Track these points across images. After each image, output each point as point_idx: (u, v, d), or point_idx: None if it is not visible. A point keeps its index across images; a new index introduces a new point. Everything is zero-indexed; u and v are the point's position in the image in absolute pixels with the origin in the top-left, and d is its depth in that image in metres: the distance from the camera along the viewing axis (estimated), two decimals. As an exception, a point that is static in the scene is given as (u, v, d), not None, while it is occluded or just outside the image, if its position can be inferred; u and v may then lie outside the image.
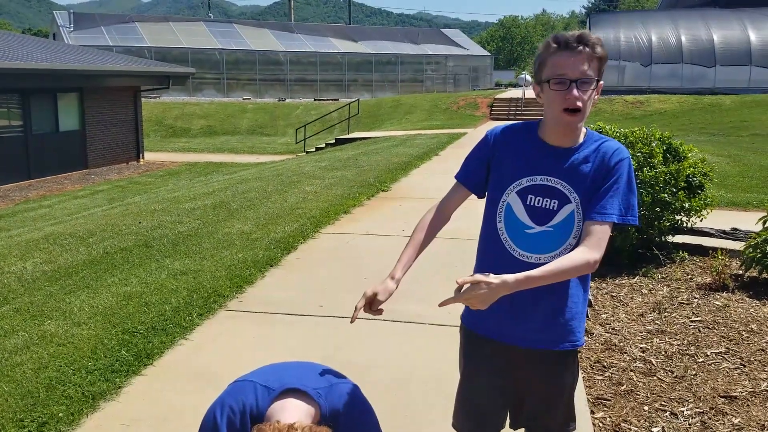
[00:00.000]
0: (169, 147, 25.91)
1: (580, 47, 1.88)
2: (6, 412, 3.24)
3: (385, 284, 2.04)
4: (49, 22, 46.90)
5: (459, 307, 2.19)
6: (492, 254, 2.06)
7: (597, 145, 2.00)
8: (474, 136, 18.54)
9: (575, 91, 1.88)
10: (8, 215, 11.49)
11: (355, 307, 2.01)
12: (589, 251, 1.90)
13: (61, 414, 3.24)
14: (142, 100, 21.37)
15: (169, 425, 3.19)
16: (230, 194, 9.54)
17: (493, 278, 1.81)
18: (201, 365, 3.86)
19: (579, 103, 1.89)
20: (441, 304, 1.89)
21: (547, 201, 1.98)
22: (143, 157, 20.58)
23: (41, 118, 16.47)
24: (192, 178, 17.13)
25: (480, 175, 2.11)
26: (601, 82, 1.95)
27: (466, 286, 1.82)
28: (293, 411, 1.80)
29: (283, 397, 1.84)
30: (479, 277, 1.81)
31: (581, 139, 2.01)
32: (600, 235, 1.93)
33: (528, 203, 2.00)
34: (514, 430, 2.20)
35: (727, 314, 4.65)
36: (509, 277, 1.82)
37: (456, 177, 2.18)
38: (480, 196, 2.15)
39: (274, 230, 6.96)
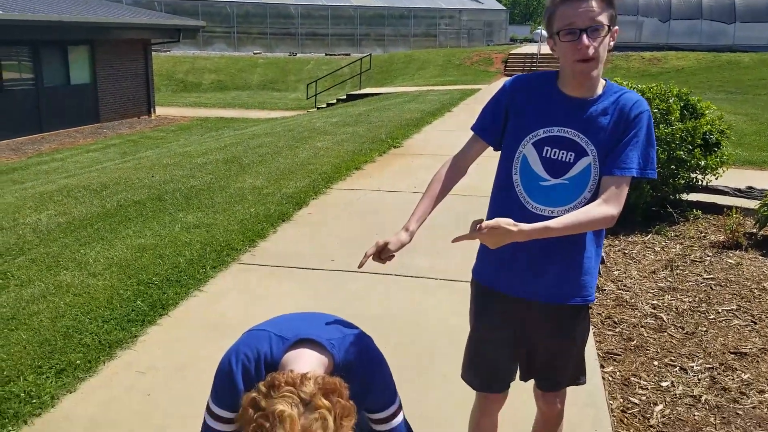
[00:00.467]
0: (179, 102, 25.80)
1: None
2: (24, 359, 3.31)
3: (398, 235, 2.04)
4: (58, -27, 46.21)
5: (471, 262, 2.19)
6: (505, 206, 2.04)
7: (616, 96, 1.95)
8: (488, 92, 18.31)
9: (586, 40, 1.83)
10: (21, 168, 11.55)
11: (365, 254, 2.01)
12: (608, 206, 1.88)
13: (78, 361, 3.31)
14: (153, 53, 21.20)
15: (185, 373, 3.25)
16: (242, 149, 9.52)
17: (512, 224, 1.80)
18: (215, 316, 3.91)
19: (591, 52, 1.84)
20: (454, 240, 1.91)
21: (563, 153, 1.95)
22: (154, 112, 20.53)
23: (52, 71, 16.41)
24: (203, 133, 17.10)
25: (497, 126, 2.08)
26: (615, 28, 1.89)
27: (482, 226, 1.81)
28: (307, 360, 1.82)
29: (297, 347, 1.86)
30: (501, 221, 1.80)
31: (600, 91, 1.96)
32: (618, 190, 1.90)
33: (544, 155, 1.96)
34: (524, 381, 2.22)
35: (740, 272, 4.64)
36: (526, 226, 1.81)
37: (472, 129, 2.14)
38: (496, 149, 2.12)
39: (286, 185, 6.96)
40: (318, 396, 1.64)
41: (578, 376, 2.18)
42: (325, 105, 23.26)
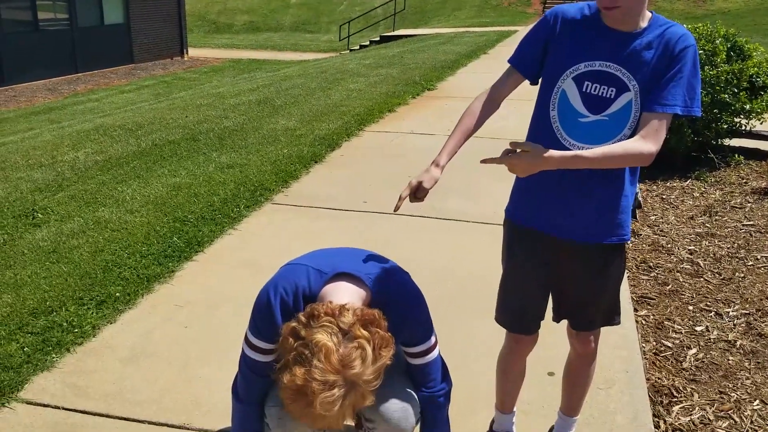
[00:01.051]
0: (212, 43, 25.67)
1: None
2: (66, 291, 3.40)
3: (429, 172, 2.01)
4: None
5: (504, 204, 2.16)
6: (539, 142, 1.99)
7: (662, 30, 1.86)
8: (525, 33, 17.84)
9: None
10: (58, 108, 11.69)
11: (400, 197, 1.99)
12: (645, 142, 1.80)
13: (117, 294, 3.39)
14: (185, -7, 21.03)
15: (220, 307, 3.32)
16: (274, 91, 9.48)
17: (542, 150, 1.77)
18: (249, 254, 3.96)
19: (608, 3, 1.78)
20: (483, 161, 1.90)
21: (604, 89, 1.88)
22: (187, 53, 20.49)
23: (86, 11, 16.41)
24: (236, 74, 17.05)
25: (536, 59, 2.01)
26: None
27: (518, 150, 1.78)
28: (345, 293, 1.84)
29: (335, 281, 1.88)
30: (531, 144, 1.77)
31: (645, 24, 1.87)
32: (658, 127, 1.81)
33: (584, 90, 1.89)
34: (557, 322, 2.20)
35: (782, 219, 4.53)
36: (556, 153, 1.77)
37: (509, 61, 2.07)
38: (533, 83, 2.05)
39: (318, 127, 6.93)
40: (357, 326, 1.66)
41: (612, 317, 2.16)
42: (357, 47, 22.95)
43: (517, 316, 2.16)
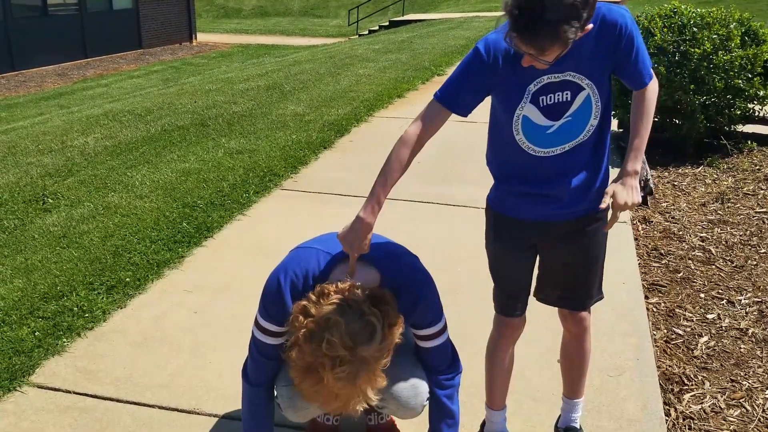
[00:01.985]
0: (220, 28, 25.61)
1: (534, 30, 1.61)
2: (77, 276, 3.42)
3: (361, 230, 1.86)
4: None
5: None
6: (511, 157, 1.99)
7: (598, 21, 1.79)
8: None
9: (529, 59, 1.70)
10: (68, 93, 11.70)
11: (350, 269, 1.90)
12: (653, 83, 1.92)
13: (127, 279, 3.40)
14: (194, -22, 20.95)
15: (229, 293, 3.32)
16: (283, 76, 9.45)
17: (623, 173, 1.86)
18: (259, 239, 3.96)
19: (529, 63, 1.74)
20: (606, 229, 1.98)
21: (559, 95, 1.87)
22: (196, 38, 20.45)
23: (95, -4, 16.38)
24: (244, 59, 17.00)
25: (473, 99, 1.91)
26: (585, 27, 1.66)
27: (608, 200, 1.85)
28: (356, 274, 1.84)
29: (345, 263, 1.87)
30: (617, 192, 1.84)
31: None
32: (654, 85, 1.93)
33: (542, 105, 1.88)
34: (549, 304, 2.19)
35: (795, 207, 4.48)
36: (631, 164, 1.87)
37: (438, 100, 1.92)
38: (464, 116, 1.96)
39: (327, 113, 6.90)
40: (366, 303, 1.66)
41: (599, 291, 2.16)
42: (367, 32, 22.83)
43: (507, 298, 2.16)
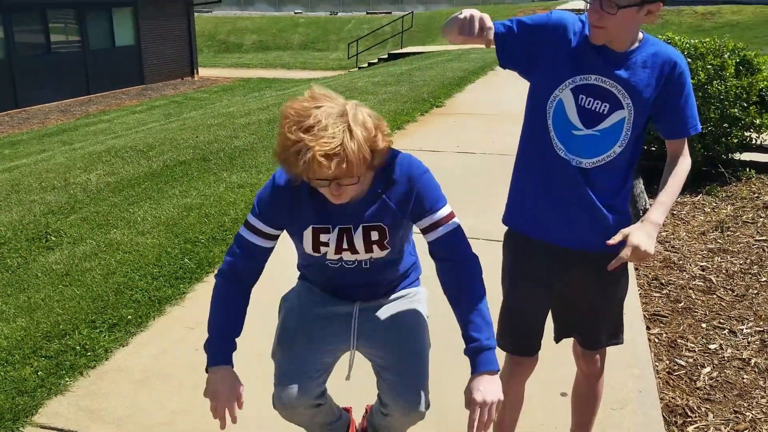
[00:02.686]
0: (222, 62, 25.91)
1: None
2: (79, 314, 3.43)
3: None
4: (101, -66, 46.54)
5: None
6: (534, 152, 2.00)
7: (654, 50, 1.91)
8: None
9: (596, 7, 1.80)
10: (70, 129, 11.81)
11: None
12: (685, 159, 1.97)
13: (129, 316, 3.41)
14: (195, 14, 21.26)
15: (232, 329, 3.32)
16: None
17: (645, 221, 1.85)
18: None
19: (595, 20, 1.82)
20: (610, 267, 1.90)
21: (597, 103, 1.90)
22: (197, 73, 20.68)
23: (97, 34, 16.63)
24: (245, 93, 17.17)
25: (524, 52, 1.95)
26: (655, 4, 1.79)
27: (619, 237, 1.84)
28: None
29: None
30: (633, 237, 1.82)
31: (637, 43, 1.91)
32: (685, 145, 1.98)
33: (579, 103, 1.92)
34: (557, 342, 2.19)
35: (794, 234, 4.50)
36: (655, 213, 1.87)
37: (496, 27, 1.94)
38: (502, 64, 2.00)
39: (328, 145, 6.96)
40: (352, 103, 1.74)
41: (617, 334, 2.15)
42: (366, 65, 23.09)
43: (521, 337, 2.14)
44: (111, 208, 5.16)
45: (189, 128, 8.65)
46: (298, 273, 2.18)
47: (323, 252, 1.93)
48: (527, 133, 2.04)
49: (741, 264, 4.07)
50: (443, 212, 1.92)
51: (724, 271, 3.98)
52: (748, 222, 4.74)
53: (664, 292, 3.75)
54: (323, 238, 1.90)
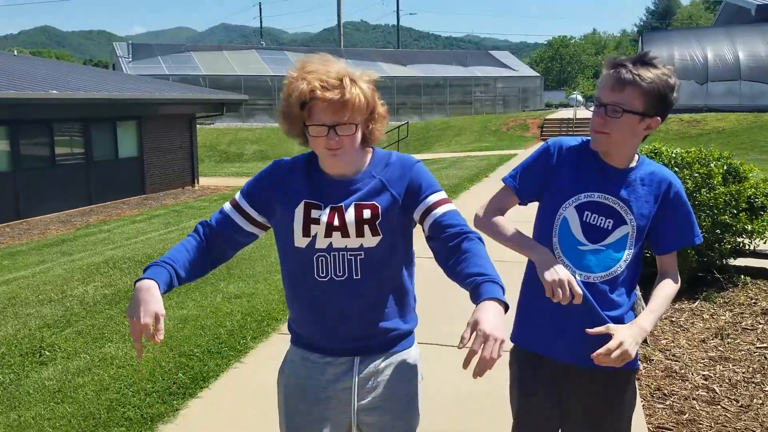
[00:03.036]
0: (222, 172, 26.46)
1: (622, 73, 1.87)
2: (69, 433, 3.33)
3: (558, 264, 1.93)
4: (109, 53, 48.83)
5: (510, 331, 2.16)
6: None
7: (651, 169, 2.03)
8: (525, 157, 18.38)
9: (599, 113, 1.91)
10: (70, 240, 11.89)
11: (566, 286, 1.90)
12: (677, 279, 2.06)
13: (121, 436, 3.32)
14: (197, 126, 21.93)
15: (225, 448, 3.23)
16: (282, 218, 9.66)
17: (634, 324, 1.90)
18: (255, 388, 3.90)
19: (598, 125, 1.92)
20: (598, 360, 1.87)
21: (602, 219, 1.99)
22: (198, 182, 21.08)
23: (101, 146, 17.08)
24: (245, 202, 17.40)
25: (534, 187, 2.09)
26: (654, 119, 1.91)
27: (602, 329, 1.89)
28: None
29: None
30: (619, 335, 1.86)
31: (635, 163, 2.02)
32: (675, 262, 2.07)
33: (584, 219, 2.00)
34: None
35: (795, 341, 4.47)
36: (645, 318, 1.93)
37: (507, 183, 2.13)
38: (523, 204, 2.15)
39: (326, 254, 7.00)
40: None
41: None
42: (363, 173, 23.56)
43: None
44: (107, 321, 5.13)
45: (188, 238, 8.73)
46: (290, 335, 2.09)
47: (313, 234, 1.88)
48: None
49: (744, 372, 4.02)
50: (439, 195, 1.94)
51: (727, 380, 3.92)
52: (748, 329, 4.71)
53: (668, 403, 3.67)
54: (314, 213, 1.89)
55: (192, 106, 20.10)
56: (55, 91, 14.30)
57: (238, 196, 2.00)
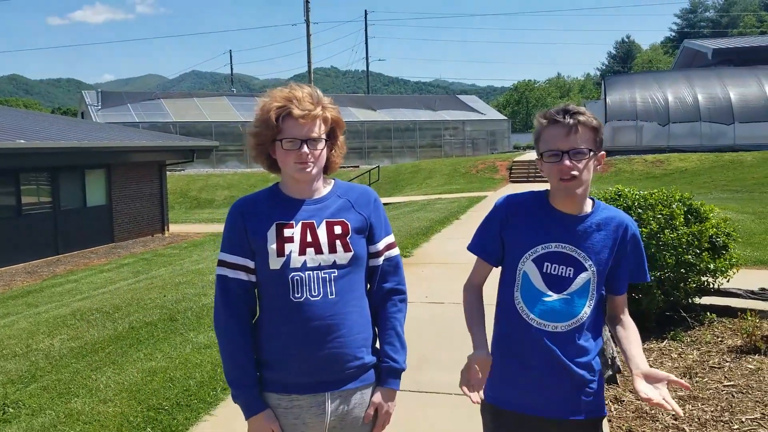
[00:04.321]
0: (193, 218, 26.27)
1: (568, 119, 1.95)
2: (32, 495, 3.23)
3: (481, 358, 2.03)
4: (78, 101, 48.62)
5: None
6: (507, 323, 2.10)
7: (607, 214, 2.08)
8: (494, 199, 18.58)
9: (567, 162, 1.96)
10: (36, 291, 11.66)
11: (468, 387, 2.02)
12: (630, 319, 2.14)
13: (86, 495, 3.22)
14: (167, 173, 21.84)
15: (194, 505, 3.15)
16: (253, 265, 9.60)
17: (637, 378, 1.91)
18: (226, 442, 3.83)
19: (573, 172, 1.97)
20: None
21: (563, 269, 2.02)
22: (168, 229, 20.89)
23: (69, 195, 16.89)
24: (215, 248, 17.27)
25: (496, 247, 2.15)
26: (602, 153, 2.01)
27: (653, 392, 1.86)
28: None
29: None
30: (641, 390, 1.87)
31: (590, 209, 2.06)
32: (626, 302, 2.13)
33: (544, 270, 2.03)
34: None
35: (761, 378, 4.54)
36: (640, 369, 1.93)
37: (470, 249, 2.21)
38: (497, 266, 2.19)
39: (298, 301, 6.96)
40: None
41: None
42: (335, 217, 23.57)
43: None
44: (73, 375, 5.01)
45: (157, 287, 8.62)
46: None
47: (287, 252, 1.94)
48: (498, 301, 2.15)
49: (712, 411, 4.07)
50: (391, 238, 2.15)
51: (696, 420, 3.96)
52: (715, 367, 4.78)
53: (639, 444, 3.69)
54: (287, 232, 1.96)
55: (162, 153, 20.04)
56: (22, 141, 14.18)
57: (222, 257, 2.04)
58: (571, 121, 1.95)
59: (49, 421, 4.13)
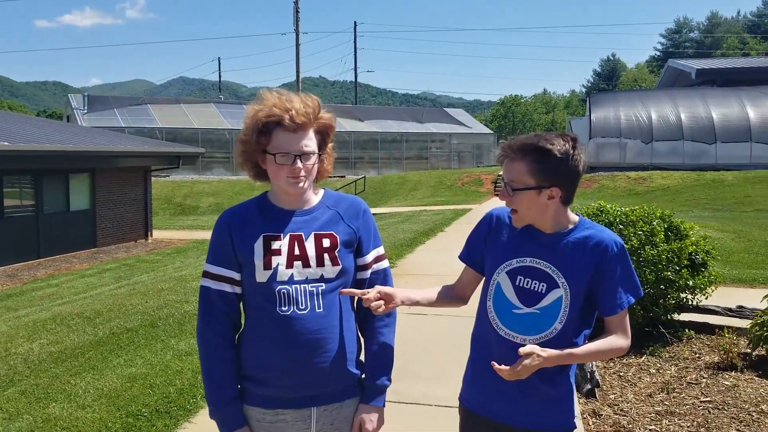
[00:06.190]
0: (177, 224, 26.14)
1: (506, 150, 2.04)
2: (7, 500, 3.21)
3: (406, 293, 2.11)
4: (64, 104, 48.32)
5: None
6: (480, 332, 2.15)
7: (588, 233, 2.05)
8: (479, 211, 18.68)
9: (503, 190, 2.05)
10: (16, 294, 11.54)
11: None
12: (625, 338, 2.05)
13: (62, 501, 3.20)
14: (153, 178, 21.74)
15: None
16: (237, 273, 9.57)
17: (541, 350, 1.92)
18: (205, 449, 3.82)
19: (506, 204, 2.07)
20: (504, 372, 1.94)
21: (535, 284, 2.05)
22: (152, 235, 20.76)
23: (53, 198, 16.76)
24: (199, 255, 17.20)
25: (481, 255, 2.20)
26: (553, 189, 1.99)
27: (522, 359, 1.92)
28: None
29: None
30: (533, 348, 1.92)
31: (570, 226, 2.07)
32: (626, 321, 2.07)
33: (517, 284, 2.06)
34: None
35: (737, 394, 4.60)
36: (553, 352, 1.94)
37: (460, 257, 2.29)
38: (481, 272, 2.24)
39: (280, 309, 6.96)
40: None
41: None
42: (320, 226, 23.54)
43: None
44: (52, 380, 4.98)
45: (138, 293, 8.58)
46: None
47: (274, 265, 1.91)
48: (477, 312, 2.19)
49: (688, 427, 4.12)
50: (381, 250, 2.16)
51: (672, 435, 4.00)
52: (692, 383, 4.84)
53: (616, 458, 3.73)
54: (275, 245, 1.93)
55: (147, 159, 19.95)
56: (6, 143, 14.07)
57: (207, 268, 2.02)
58: (509, 152, 2.01)
59: (26, 426, 4.10)
